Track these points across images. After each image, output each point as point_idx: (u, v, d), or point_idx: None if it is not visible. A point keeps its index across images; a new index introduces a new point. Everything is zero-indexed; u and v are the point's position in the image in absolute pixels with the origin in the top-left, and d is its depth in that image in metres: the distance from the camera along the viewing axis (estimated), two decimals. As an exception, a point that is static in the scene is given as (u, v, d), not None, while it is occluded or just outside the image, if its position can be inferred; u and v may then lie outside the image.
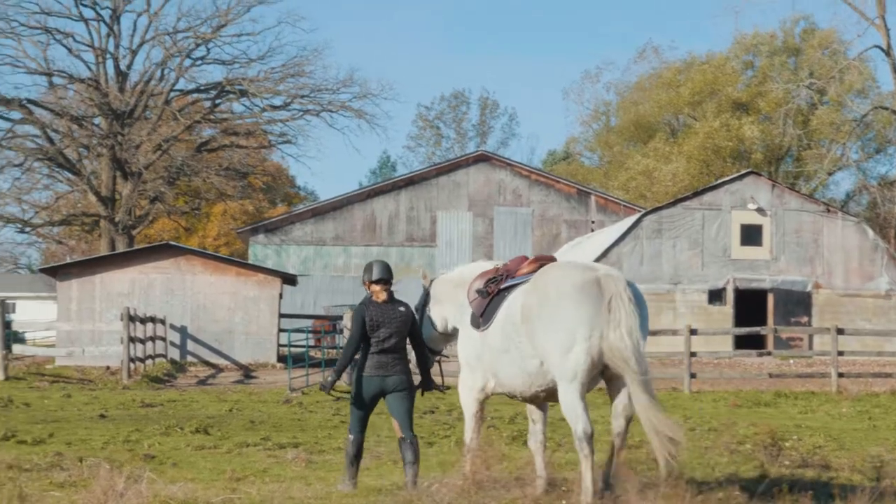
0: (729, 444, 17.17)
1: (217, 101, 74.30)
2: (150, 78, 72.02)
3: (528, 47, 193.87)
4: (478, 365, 12.77)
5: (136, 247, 59.50)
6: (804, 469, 15.31)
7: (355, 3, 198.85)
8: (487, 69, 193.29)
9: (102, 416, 23.95)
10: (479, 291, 12.81)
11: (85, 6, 70.73)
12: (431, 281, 13.92)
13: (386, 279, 13.32)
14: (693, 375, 33.78)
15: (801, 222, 55.46)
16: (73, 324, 42.08)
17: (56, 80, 71.25)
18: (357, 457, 13.35)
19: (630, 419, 11.82)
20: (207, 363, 43.59)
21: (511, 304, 12.28)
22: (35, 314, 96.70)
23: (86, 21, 71.07)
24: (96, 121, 71.63)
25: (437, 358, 14.11)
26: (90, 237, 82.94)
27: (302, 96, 73.23)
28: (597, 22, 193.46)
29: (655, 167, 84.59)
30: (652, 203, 70.57)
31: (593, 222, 66.09)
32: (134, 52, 72.12)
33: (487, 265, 13.33)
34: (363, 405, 13.29)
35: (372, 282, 13.33)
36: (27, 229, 75.38)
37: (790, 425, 22.31)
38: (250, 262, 58.04)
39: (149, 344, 40.41)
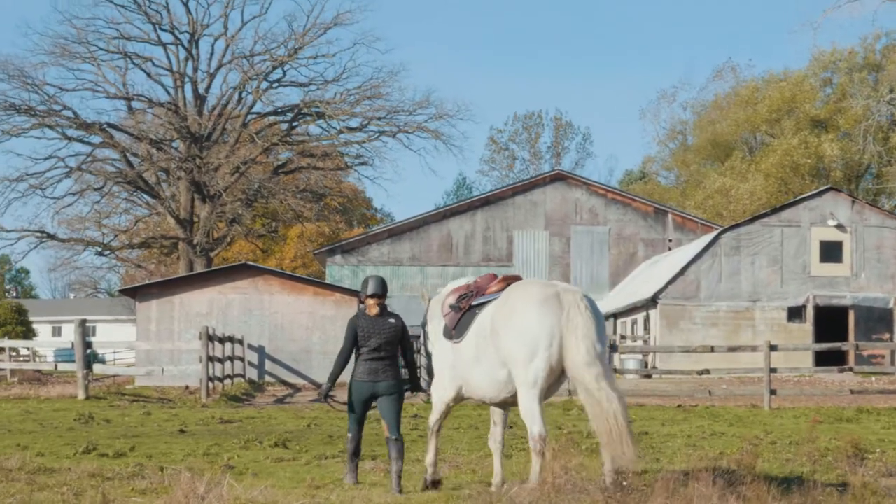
0: (811, 454, 16.97)
1: (294, 124, 74.84)
2: (227, 101, 72.74)
3: (602, 68, 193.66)
4: (449, 373, 13.95)
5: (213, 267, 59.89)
6: (888, 478, 15.11)
7: (430, 24, 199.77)
8: (560, 90, 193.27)
9: (182, 431, 24.10)
10: (451, 306, 14.02)
11: (163, 31, 71.66)
12: (430, 300, 14.95)
13: (379, 294, 14.42)
14: (773, 392, 33.36)
15: (882, 238, 54.84)
16: (152, 343, 42.31)
17: (135, 104, 72.19)
18: (356, 454, 14.58)
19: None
20: (285, 383, 43.76)
21: (483, 320, 13.45)
22: (114, 336, 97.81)
23: (164, 46, 71.92)
24: (175, 144, 72.36)
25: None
26: (169, 260, 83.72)
27: (378, 118, 73.54)
28: (673, 41, 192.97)
29: (732, 185, 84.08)
30: (729, 221, 70.08)
31: (670, 240, 65.74)
32: (212, 76, 72.85)
33: (461, 282, 14.52)
34: (357, 408, 14.41)
35: (367, 296, 14.46)
36: (106, 252, 76.14)
37: (873, 440, 21.96)
38: (327, 282, 58.20)
39: (227, 364, 40.58)
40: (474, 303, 13.73)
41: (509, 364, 12.82)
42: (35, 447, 19.49)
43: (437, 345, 14.21)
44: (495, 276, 14.13)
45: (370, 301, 14.40)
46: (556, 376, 12.79)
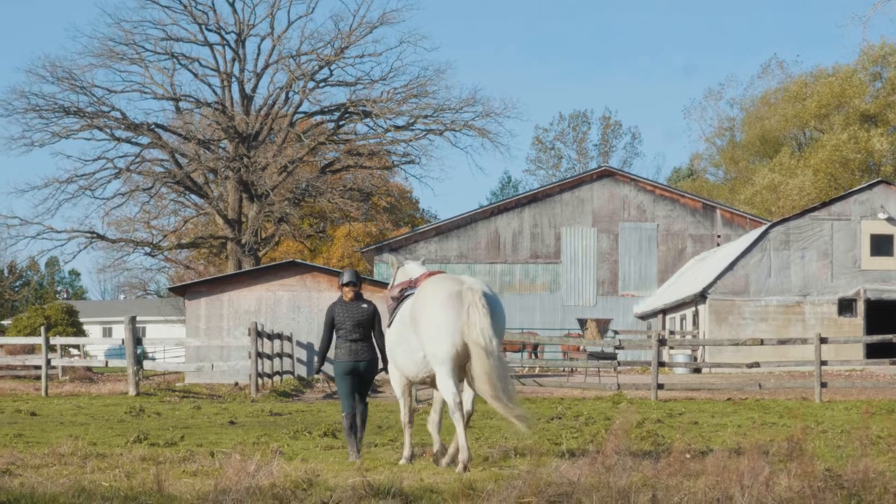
0: (862, 439, 16.87)
1: (340, 123, 74.93)
2: (274, 101, 72.96)
3: (648, 66, 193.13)
4: (390, 355, 16.01)
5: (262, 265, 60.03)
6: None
7: (475, 22, 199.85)
8: (607, 89, 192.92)
9: (232, 422, 24.25)
10: (393, 298, 16.05)
11: (210, 31, 71.93)
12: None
13: (353, 282, 16.56)
14: (824, 385, 33.15)
15: (934, 231, 54.44)
16: (201, 339, 42.43)
17: (183, 104, 72.49)
18: (352, 428, 16.52)
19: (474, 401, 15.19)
20: (334, 379, 43.78)
21: (404, 309, 15.54)
22: (163, 336, 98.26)
23: (211, 46, 72.21)
24: (222, 144, 72.65)
25: None
26: (217, 260, 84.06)
27: (425, 116, 73.52)
28: (719, 37, 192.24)
29: (781, 181, 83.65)
30: (778, 217, 69.72)
31: (719, 236, 65.48)
32: (258, 76, 73.09)
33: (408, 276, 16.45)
34: (343, 383, 16.74)
35: (342, 285, 16.60)
36: (155, 253, 76.58)
37: (926, 428, 21.78)
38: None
39: (276, 360, 40.71)
40: (406, 293, 15.73)
41: (424, 347, 14.77)
42: (87, 437, 19.63)
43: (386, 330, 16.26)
44: (430, 272, 15.88)
45: (345, 289, 16.53)
46: (464, 360, 14.44)
